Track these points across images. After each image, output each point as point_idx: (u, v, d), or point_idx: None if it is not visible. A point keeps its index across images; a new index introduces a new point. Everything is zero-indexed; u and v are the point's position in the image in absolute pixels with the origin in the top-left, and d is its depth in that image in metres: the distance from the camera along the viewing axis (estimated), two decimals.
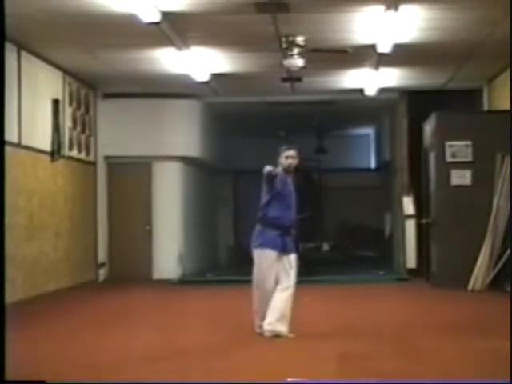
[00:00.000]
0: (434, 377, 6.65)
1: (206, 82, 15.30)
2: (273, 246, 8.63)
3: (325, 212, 23.32)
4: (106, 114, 16.87)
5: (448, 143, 14.27)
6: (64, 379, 5.76)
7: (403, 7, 10.42)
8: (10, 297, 11.88)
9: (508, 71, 14.54)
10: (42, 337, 9.31)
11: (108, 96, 16.87)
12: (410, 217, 16.65)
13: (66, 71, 14.62)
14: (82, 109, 15.81)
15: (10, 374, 6.90)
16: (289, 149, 8.69)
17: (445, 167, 14.30)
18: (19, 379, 5.51)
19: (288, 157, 8.65)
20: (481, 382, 5.43)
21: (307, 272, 18.40)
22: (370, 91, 16.62)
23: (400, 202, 17.37)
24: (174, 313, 11.81)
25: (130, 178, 17.22)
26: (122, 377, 6.83)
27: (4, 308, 4.76)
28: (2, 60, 5.05)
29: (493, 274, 13.79)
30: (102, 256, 16.91)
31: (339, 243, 22.51)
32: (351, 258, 21.54)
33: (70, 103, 15.07)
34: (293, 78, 14.93)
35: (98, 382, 5.72)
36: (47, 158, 13.85)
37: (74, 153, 15.32)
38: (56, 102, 14.17)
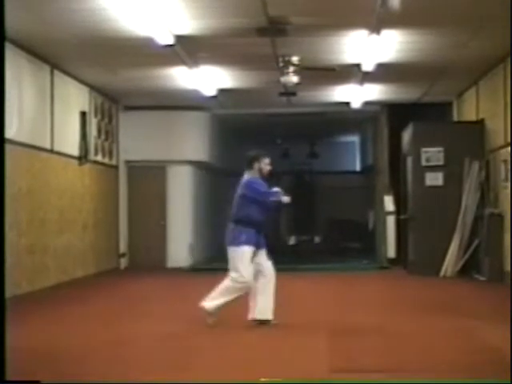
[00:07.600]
0: (404, 349, 6.76)
1: (214, 96, 15.31)
2: (252, 243, 8.06)
3: (316, 209, 23.38)
4: (127, 124, 16.91)
5: (423, 149, 14.33)
6: (60, 379, 5.55)
7: (384, 32, 10.44)
8: (44, 282, 12.05)
9: (474, 88, 14.66)
10: (73, 316, 9.36)
11: (128, 108, 16.90)
12: (390, 213, 16.64)
13: (92, 87, 14.68)
14: (106, 119, 15.87)
15: (51, 344, 6.98)
16: (267, 156, 8.23)
17: (420, 170, 14.36)
18: (17, 379, 5.14)
19: (268, 164, 8.20)
20: (481, 381, 5.27)
21: (302, 261, 18.51)
22: (356, 104, 16.62)
23: (382, 200, 17.38)
24: (185, 296, 11.78)
25: (147, 180, 17.24)
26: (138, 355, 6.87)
27: (4, 309, 4.49)
28: (2, 60, 4.70)
29: (461, 262, 13.87)
30: (123, 247, 16.98)
31: (329, 236, 22.54)
32: (339, 249, 21.53)
33: (96, 115, 15.12)
34: (288, 92, 14.90)
35: (97, 382, 5.45)
36: (76, 162, 13.90)
37: (99, 157, 15.37)
38: (83, 114, 14.23)
